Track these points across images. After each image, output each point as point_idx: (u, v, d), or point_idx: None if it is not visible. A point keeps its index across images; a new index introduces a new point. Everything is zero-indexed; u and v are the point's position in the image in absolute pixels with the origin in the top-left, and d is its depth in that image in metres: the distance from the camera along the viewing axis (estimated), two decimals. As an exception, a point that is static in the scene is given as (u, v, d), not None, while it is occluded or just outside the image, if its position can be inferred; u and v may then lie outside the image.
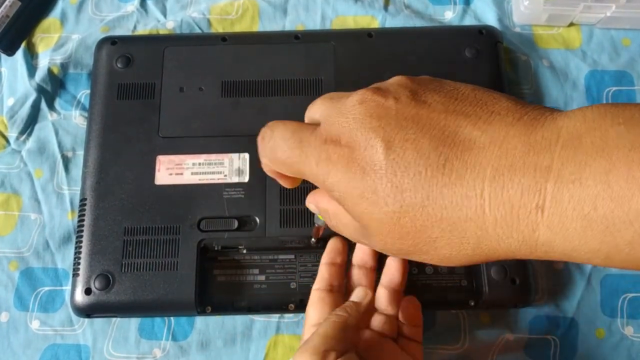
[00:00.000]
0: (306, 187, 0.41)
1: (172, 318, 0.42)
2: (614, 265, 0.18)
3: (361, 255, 0.38)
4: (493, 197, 0.19)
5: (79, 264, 0.40)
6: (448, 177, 0.19)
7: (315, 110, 0.26)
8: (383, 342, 0.35)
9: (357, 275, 0.37)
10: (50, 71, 0.49)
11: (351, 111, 0.22)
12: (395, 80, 0.25)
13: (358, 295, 0.33)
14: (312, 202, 0.29)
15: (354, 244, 0.38)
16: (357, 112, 0.22)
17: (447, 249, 0.21)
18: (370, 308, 0.31)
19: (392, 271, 0.36)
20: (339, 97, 0.25)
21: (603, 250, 0.18)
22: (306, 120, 0.28)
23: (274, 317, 0.42)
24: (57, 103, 0.49)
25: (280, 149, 0.25)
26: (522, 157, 0.18)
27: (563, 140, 0.18)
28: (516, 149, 0.19)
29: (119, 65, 0.45)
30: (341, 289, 0.36)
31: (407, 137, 0.20)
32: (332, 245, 0.38)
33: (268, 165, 0.27)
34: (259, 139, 0.27)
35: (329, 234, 0.40)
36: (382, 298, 0.36)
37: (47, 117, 0.48)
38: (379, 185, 0.21)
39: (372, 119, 0.22)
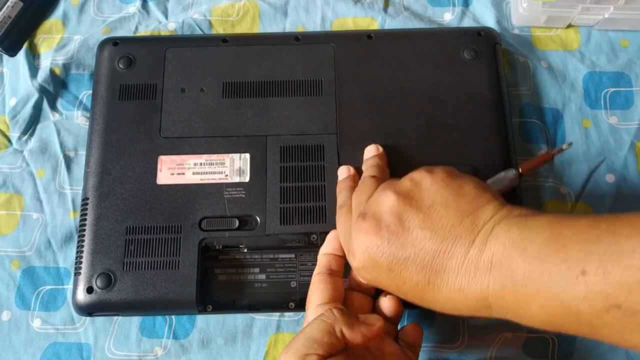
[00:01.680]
0: (306, 185, 0.42)
1: (173, 316, 0.43)
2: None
3: None
4: (459, 300, 0.30)
5: (80, 262, 0.40)
6: (432, 288, 0.30)
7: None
8: (384, 338, 0.35)
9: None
10: (52, 72, 0.49)
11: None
12: (386, 205, 0.32)
13: (368, 320, 0.33)
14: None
15: None
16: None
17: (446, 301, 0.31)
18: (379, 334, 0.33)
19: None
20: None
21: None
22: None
23: (275, 316, 0.42)
24: (59, 103, 0.49)
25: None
26: (473, 274, 0.29)
27: (491, 265, 0.29)
28: (468, 270, 0.29)
29: (120, 66, 0.45)
30: (341, 273, 0.37)
31: (402, 263, 0.31)
32: (331, 236, 0.38)
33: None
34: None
35: (325, 231, 0.40)
36: (385, 305, 0.36)
37: (49, 118, 0.48)
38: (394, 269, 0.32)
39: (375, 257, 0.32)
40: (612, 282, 0.24)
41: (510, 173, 0.38)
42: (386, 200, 0.32)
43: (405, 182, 0.33)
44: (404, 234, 0.31)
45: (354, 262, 0.34)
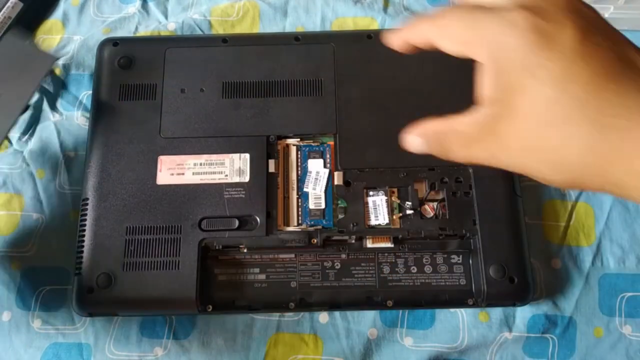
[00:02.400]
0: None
1: (173, 317, 0.43)
2: None
3: None
4: None
5: (80, 263, 0.40)
6: (616, 85, 0.21)
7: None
8: None
9: None
10: (52, 72, 0.49)
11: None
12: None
13: None
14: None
15: None
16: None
17: (568, 154, 0.22)
18: None
19: None
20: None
21: None
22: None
23: (275, 316, 0.42)
24: (59, 104, 0.49)
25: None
26: None
27: None
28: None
29: (120, 66, 0.45)
30: None
31: (596, 41, 0.22)
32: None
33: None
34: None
35: (327, 235, 0.40)
36: None
37: (50, 118, 0.49)
38: (556, 64, 0.22)
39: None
40: None
41: None
42: None
43: None
44: None
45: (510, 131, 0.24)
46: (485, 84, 0.24)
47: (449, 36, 0.26)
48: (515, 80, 0.23)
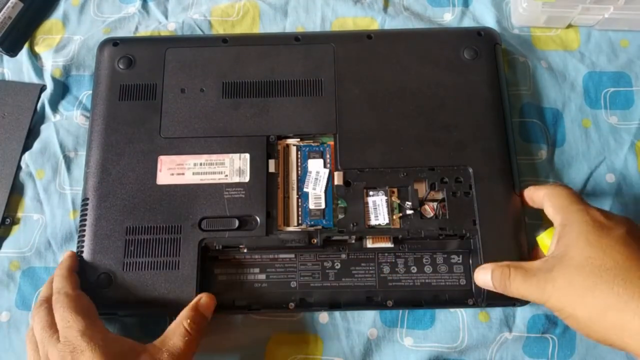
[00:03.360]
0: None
1: (173, 317, 0.42)
2: None
3: None
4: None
5: (80, 263, 0.40)
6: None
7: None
8: None
9: None
10: (53, 73, 0.49)
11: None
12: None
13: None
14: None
15: None
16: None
17: (598, 303, 0.31)
18: None
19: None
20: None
21: None
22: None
23: (275, 316, 0.42)
24: (60, 104, 0.49)
25: None
26: None
27: None
28: None
29: (120, 66, 0.45)
30: None
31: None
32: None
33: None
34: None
35: (327, 235, 0.40)
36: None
37: (50, 118, 0.49)
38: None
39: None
40: None
41: None
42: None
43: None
44: None
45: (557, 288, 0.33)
46: (554, 242, 0.35)
47: (553, 206, 0.37)
48: (577, 241, 0.34)
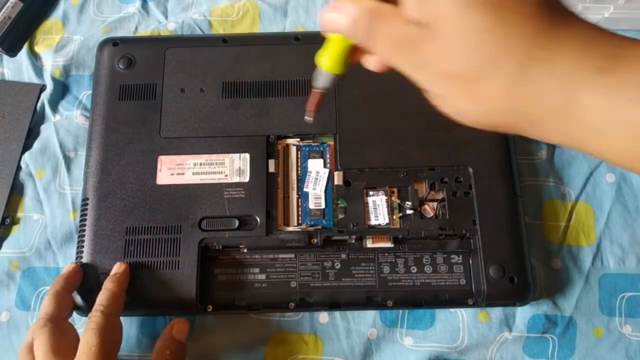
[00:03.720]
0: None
1: (173, 317, 0.43)
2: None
3: None
4: (568, 51, 0.20)
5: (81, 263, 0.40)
6: (549, 19, 0.21)
7: None
8: None
9: None
10: (53, 73, 0.49)
11: None
12: None
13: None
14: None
15: None
16: None
17: (488, 85, 0.22)
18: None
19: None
20: None
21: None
22: None
23: (275, 316, 0.42)
24: (60, 104, 0.49)
25: None
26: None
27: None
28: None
29: (120, 66, 0.45)
30: None
31: None
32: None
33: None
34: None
35: (327, 235, 0.40)
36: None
37: (50, 118, 0.49)
38: None
39: None
40: None
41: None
42: None
43: None
44: None
45: (427, 59, 0.23)
46: (409, 3, 0.22)
47: None
48: (445, 6, 0.21)
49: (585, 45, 0.20)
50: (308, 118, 0.32)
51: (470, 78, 0.22)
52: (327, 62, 0.27)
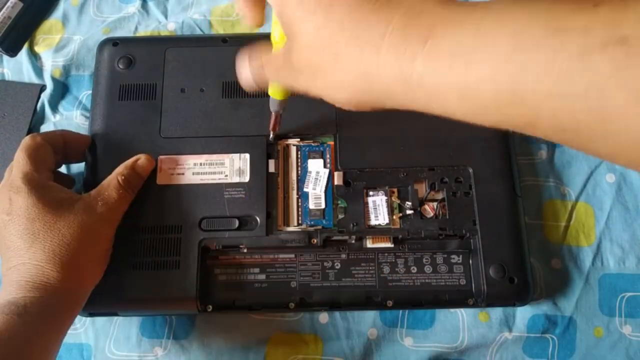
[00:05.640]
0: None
1: (173, 317, 0.43)
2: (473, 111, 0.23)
3: None
4: (396, 28, 0.23)
5: (81, 263, 0.40)
6: (372, 5, 0.24)
7: None
8: None
9: None
10: (53, 73, 0.49)
11: None
12: None
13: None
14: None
15: None
16: None
17: (342, 73, 0.25)
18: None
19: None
20: None
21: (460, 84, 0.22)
22: None
23: (275, 316, 0.42)
24: (60, 104, 0.49)
25: None
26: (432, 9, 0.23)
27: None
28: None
29: (120, 66, 0.45)
30: None
31: None
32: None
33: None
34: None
35: (327, 235, 0.40)
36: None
37: (50, 118, 0.49)
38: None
39: None
40: None
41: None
42: None
43: None
44: None
45: (292, 59, 0.27)
46: (277, 24, 0.28)
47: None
48: (292, 14, 0.25)
49: (411, 20, 0.22)
50: (271, 137, 0.42)
51: (327, 73, 0.25)
52: (272, 92, 0.36)
